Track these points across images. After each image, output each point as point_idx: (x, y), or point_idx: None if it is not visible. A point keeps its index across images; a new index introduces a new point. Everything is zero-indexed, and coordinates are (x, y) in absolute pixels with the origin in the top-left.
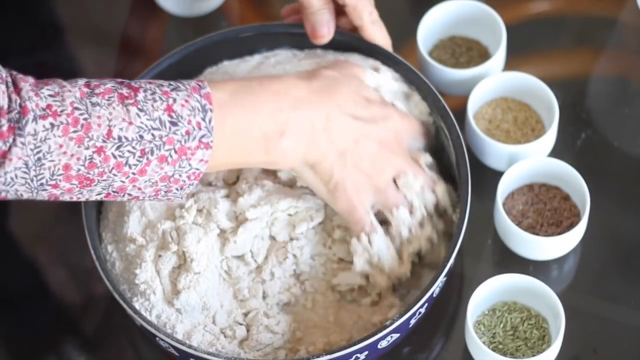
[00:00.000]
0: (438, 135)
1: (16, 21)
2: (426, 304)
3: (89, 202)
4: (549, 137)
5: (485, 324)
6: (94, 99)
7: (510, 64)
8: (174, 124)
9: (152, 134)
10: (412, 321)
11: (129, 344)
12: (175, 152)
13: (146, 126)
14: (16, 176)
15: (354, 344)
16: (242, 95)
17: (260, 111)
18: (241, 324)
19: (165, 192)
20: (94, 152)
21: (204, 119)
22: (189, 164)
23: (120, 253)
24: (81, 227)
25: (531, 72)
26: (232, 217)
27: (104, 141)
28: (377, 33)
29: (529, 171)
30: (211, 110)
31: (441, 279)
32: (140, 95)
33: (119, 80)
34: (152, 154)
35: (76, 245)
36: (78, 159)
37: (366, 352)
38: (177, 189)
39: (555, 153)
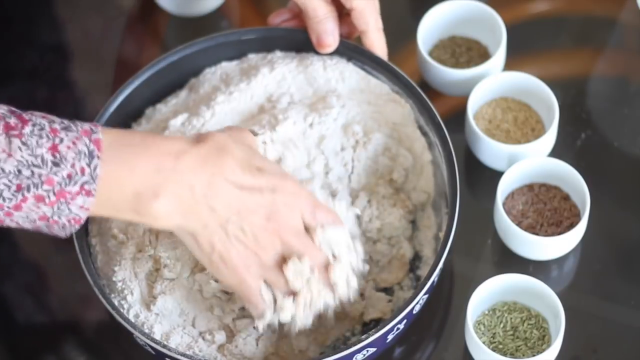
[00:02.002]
0: (432, 150)
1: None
2: (405, 320)
3: None
4: (549, 137)
5: (485, 324)
6: None
7: (510, 64)
8: (56, 164)
9: (32, 171)
10: (390, 336)
11: (129, 344)
12: (54, 193)
13: (26, 161)
14: None
15: (326, 356)
16: (120, 149)
17: (135, 168)
18: (221, 330)
19: (48, 229)
20: None
21: (89, 165)
22: (69, 209)
23: (102, 247)
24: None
25: (531, 72)
26: None
27: None
28: (379, 41)
29: (529, 171)
30: (98, 157)
31: (422, 295)
32: (27, 129)
33: (13, 109)
34: (28, 190)
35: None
36: None
37: None
38: (59, 229)
39: (555, 153)
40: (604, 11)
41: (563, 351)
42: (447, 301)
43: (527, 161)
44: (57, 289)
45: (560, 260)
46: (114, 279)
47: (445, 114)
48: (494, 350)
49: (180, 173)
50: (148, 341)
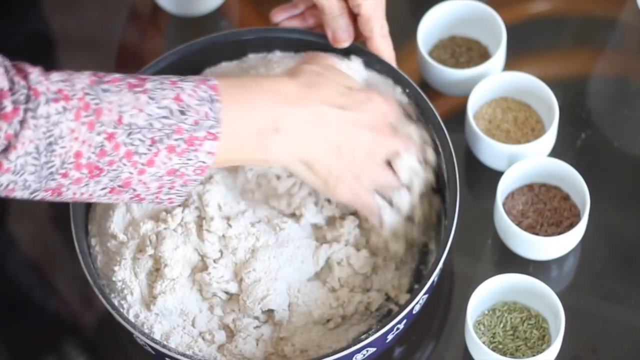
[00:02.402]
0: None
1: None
2: (405, 320)
3: None
4: (549, 137)
5: (485, 324)
6: (104, 86)
7: (510, 64)
8: (182, 112)
9: (162, 122)
10: (390, 336)
11: (129, 344)
12: (184, 142)
13: (156, 114)
14: (26, 162)
15: (327, 356)
16: (236, 90)
17: (254, 106)
18: (221, 330)
19: (169, 189)
20: (105, 138)
21: (211, 109)
22: (196, 156)
23: (102, 247)
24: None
25: (531, 72)
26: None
27: (115, 127)
28: (385, 47)
29: (529, 171)
30: (219, 101)
31: (421, 295)
32: (149, 85)
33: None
34: (161, 142)
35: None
36: (90, 145)
37: None
38: (180, 186)
39: (555, 153)
40: (604, 11)
41: (563, 351)
42: (447, 301)
43: (527, 161)
44: (57, 289)
45: (560, 260)
46: (113, 278)
47: (445, 114)
48: (494, 350)
49: (293, 106)
50: (148, 341)
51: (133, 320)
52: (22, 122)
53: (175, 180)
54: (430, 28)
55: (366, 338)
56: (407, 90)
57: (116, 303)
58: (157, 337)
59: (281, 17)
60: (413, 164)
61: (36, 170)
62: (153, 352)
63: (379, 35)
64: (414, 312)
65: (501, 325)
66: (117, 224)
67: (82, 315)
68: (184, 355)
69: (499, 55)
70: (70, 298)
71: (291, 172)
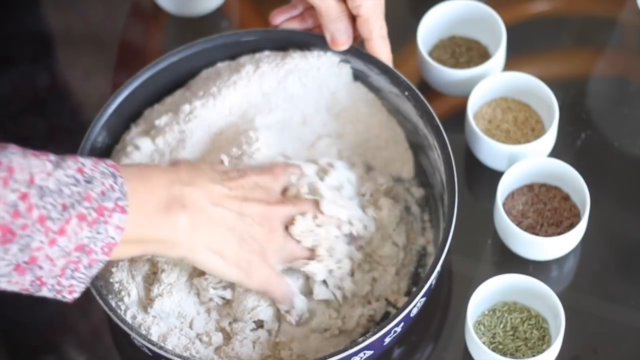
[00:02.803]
0: (431, 154)
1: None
2: (402, 323)
3: None
4: (549, 137)
5: (485, 324)
6: (12, 149)
7: (510, 64)
8: (88, 182)
9: (71, 189)
10: (387, 339)
11: (126, 345)
12: (94, 210)
13: (64, 181)
14: None
15: (324, 359)
16: (133, 170)
17: (155, 184)
18: (218, 332)
19: (72, 270)
20: (18, 197)
21: (115, 183)
22: (106, 229)
23: None
24: None
25: (531, 72)
26: None
27: (27, 187)
28: (383, 48)
29: (529, 171)
30: (121, 177)
31: (419, 299)
32: (52, 157)
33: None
34: (73, 208)
35: None
36: (4, 203)
37: None
38: (84, 268)
39: (555, 153)
40: (604, 11)
41: (563, 351)
42: (447, 301)
43: (527, 161)
44: None
45: (560, 260)
46: (111, 280)
47: (445, 114)
48: (494, 351)
49: (191, 185)
50: (145, 342)
51: (130, 322)
52: None
53: (81, 258)
54: (430, 28)
55: (363, 341)
56: (406, 93)
57: (113, 304)
58: (154, 338)
59: (280, 19)
60: (309, 224)
61: None
62: (150, 354)
63: (378, 37)
64: (411, 315)
65: (501, 326)
66: None
67: (80, 317)
68: (180, 357)
69: (499, 55)
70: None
71: (201, 264)
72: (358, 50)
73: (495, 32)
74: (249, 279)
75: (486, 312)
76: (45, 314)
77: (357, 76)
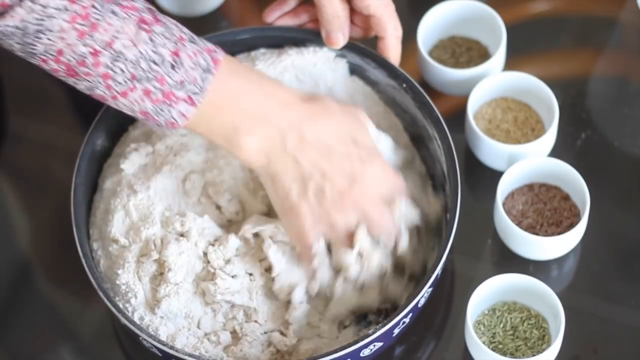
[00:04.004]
0: (430, 145)
1: None
2: (411, 314)
3: (79, 200)
4: (549, 137)
5: (485, 324)
6: (115, 8)
7: (510, 64)
8: (173, 67)
9: (149, 65)
10: (396, 330)
11: (127, 347)
12: (162, 93)
13: (148, 56)
14: (13, 34)
15: (335, 352)
16: (237, 76)
17: (241, 100)
18: (226, 331)
19: (144, 120)
20: (90, 52)
21: (202, 78)
22: (170, 111)
23: (105, 251)
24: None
25: (531, 72)
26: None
27: (103, 47)
28: (394, 49)
29: (529, 171)
30: (212, 75)
31: (426, 289)
32: (158, 28)
33: (150, 7)
34: (140, 82)
35: (72, 247)
36: (73, 51)
37: None
38: (154, 125)
39: (555, 153)
40: (604, 11)
41: (563, 351)
42: (447, 301)
43: (527, 161)
44: (58, 292)
45: (560, 260)
46: (117, 282)
47: (445, 114)
48: (494, 350)
49: (279, 120)
50: (155, 343)
51: (138, 323)
52: (21, 0)
53: (148, 119)
54: (430, 28)
55: (373, 333)
56: (404, 85)
57: (121, 306)
58: (163, 339)
59: (274, 16)
60: (370, 246)
61: (20, 44)
62: (160, 354)
63: (392, 36)
64: (419, 305)
65: (501, 325)
66: (117, 228)
67: (83, 318)
68: (191, 355)
69: (499, 55)
70: (72, 301)
71: (254, 171)
72: (354, 44)
73: (495, 32)
74: (285, 219)
75: (486, 312)
76: (47, 317)
77: (354, 70)
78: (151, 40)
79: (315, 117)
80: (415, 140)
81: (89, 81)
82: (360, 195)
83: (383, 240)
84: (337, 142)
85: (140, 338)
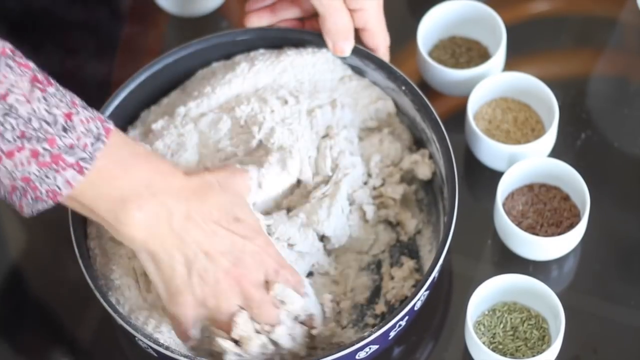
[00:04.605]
0: (429, 147)
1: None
2: (407, 317)
3: None
4: (549, 137)
5: (485, 324)
6: (10, 62)
7: (510, 64)
8: (65, 130)
9: (41, 125)
10: (392, 333)
11: (125, 346)
12: (50, 155)
13: (41, 115)
14: None
15: (331, 354)
16: (124, 150)
17: (130, 173)
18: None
19: (21, 195)
20: None
21: (92, 145)
22: (55, 178)
23: (101, 249)
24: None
25: (531, 72)
26: None
27: None
28: (385, 58)
29: (529, 171)
30: (103, 143)
31: (422, 292)
32: (51, 89)
33: (40, 70)
34: (29, 142)
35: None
36: None
37: None
38: (31, 199)
39: (555, 153)
40: (604, 11)
41: (563, 351)
42: (447, 301)
43: (527, 161)
44: (56, 292)
45: (560, 261)
46: (111, 277)
47: (445, 114)
48: (494, 351)
49: (166, 195)
50: (151, 343)
51: (129, 315)
52: None
53: (27, 190)
54: (430, 28)
55: (369, 336)
56: (403, 87)
57: (114, 300)
58: (150, 328)
59: (255, 20)
60: (251, 329)
61: None
62: (155, 355)
63: (383, 47)
64: (415, 308)
65: (501, 326)
66: None
67: (80, 319)
68: (186, 357)
69: (499, 55)
70: (69, 301)
71: (137, 255)
72: (354, 45)
73: (495, 32)
74: (168, 301)
75: (486, 312)
76: (45, 316)
77: (353, 72)
78: (45, 99)
79: (199, 193)
80: (415, 144)
81: None
82: (242, 274)
83: (260, 326)
84: (219, 221)
85: (137, 339)
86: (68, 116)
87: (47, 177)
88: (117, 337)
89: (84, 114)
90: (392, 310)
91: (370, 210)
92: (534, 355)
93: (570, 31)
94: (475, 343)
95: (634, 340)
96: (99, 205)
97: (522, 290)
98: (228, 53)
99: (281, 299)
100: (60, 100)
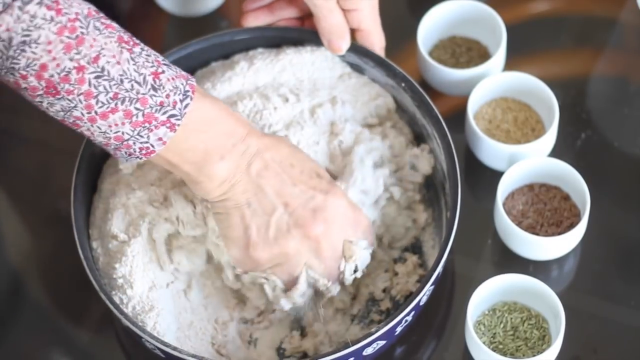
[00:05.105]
0: (430, 143)
1: None
2: (413, 312)
3: (78, 200)
4: (549, 137)
5: (486, 324)
6: (97, 24)
7: (510, 64)
8: (154, 88)
9: (132, 85)
10: (398, 329)
11: (127, 347)
12: (143, 114)
13: (131, 75)
14: None
15: (337, 351)
16: (209, 104)
17: (214, 127)
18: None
19: (114, 149)
20: (74, 67)
21: (181, 101)
22: (148, 136)
23: (104, 249)
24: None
25: (531, 72)
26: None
27: (88, 62)
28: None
29: (529, 171)
30: (191, 98)
31: (428, 287)
32: (137, 49)
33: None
34: (122, 103)
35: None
36: (58, 65)
37: (352, 359)
38: (125, 154)
39: (555, 153)
40: (604, 11)
41: (563, 351)
42: (448, 301)
43: (527, 161)
44: (58, 293)
45: (560, 260)
46: (114, 276)
47: (445, 114)
48: (494, 351)
49: (248, 145)
50: (158, 344)
51: (131, 313)
52: (7, 7)
53: (121, 147)
54: (430, 28)
55: (376, 331)
56: (402, 84)
57: (117, 299)
58: (149, 327)
59: (252, 20)
60: (318, 281)
61: (1, 57)
62: (163, 355)
63: (377, 47)
64: (421, 304)
65: (501, 326)
66: (117, 225)
67: (82, 319)
68: (194, 357)
69: (499, 55)
70: (69, 301)
71: (214, 213)
72: (352, 43)
73: (495, 32)
74: (241, 257)
75: (486, 312)
76: (45, 316)
77: (352, 69)
78: (133, 60)
79: (277, 147)
80: (415, 139)
81: (69, 100)
82: (321, 230)
83: (322, 282)
84: (301, 176)
85: (143, 340)
86: (156, 75)
87: (140, 135)
88: (117, 337)
89: (169, 72)
90: (398, 306)
91: (396, 192)
92: (534, 355)
93: (570, 31)
94: (475, 343)
95: (634, 340)
96: (185, 158)
97: (523, 290)
98: (227, 53)
99: (354, 259)
100: (146, 60)
